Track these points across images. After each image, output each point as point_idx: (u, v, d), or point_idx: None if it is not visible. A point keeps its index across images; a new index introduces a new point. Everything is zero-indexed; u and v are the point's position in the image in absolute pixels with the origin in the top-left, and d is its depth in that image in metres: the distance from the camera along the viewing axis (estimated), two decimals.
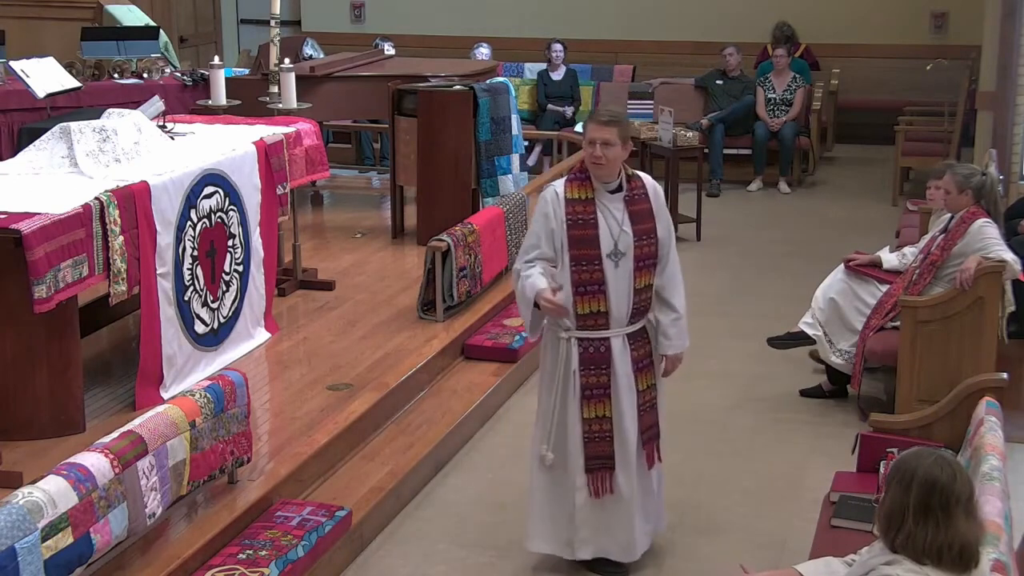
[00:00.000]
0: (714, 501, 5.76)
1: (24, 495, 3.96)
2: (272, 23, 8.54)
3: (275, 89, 8.35)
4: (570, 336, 4.92)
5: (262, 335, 6.91)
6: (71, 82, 9.09)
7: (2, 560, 3.77)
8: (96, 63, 10.07)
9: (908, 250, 7.04)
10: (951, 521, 3.21)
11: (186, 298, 6.11)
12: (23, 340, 5.46)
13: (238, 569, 4.62)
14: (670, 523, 5.53)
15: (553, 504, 5.04)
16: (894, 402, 6.45)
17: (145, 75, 10.14)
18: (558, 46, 12.90)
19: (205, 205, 6.25)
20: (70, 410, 5.59)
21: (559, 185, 4.93)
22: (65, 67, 9.27)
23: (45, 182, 5.84)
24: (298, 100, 8.21)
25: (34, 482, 4.07)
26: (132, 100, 8.89)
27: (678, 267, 5.06)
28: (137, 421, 4.59)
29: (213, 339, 6.39)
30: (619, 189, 4.90)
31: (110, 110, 6.70)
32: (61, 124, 6.22)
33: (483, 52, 12.55)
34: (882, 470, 4.72)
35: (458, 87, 8.90)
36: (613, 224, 4.85)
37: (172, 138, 6.79)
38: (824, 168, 13.03)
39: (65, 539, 4.01)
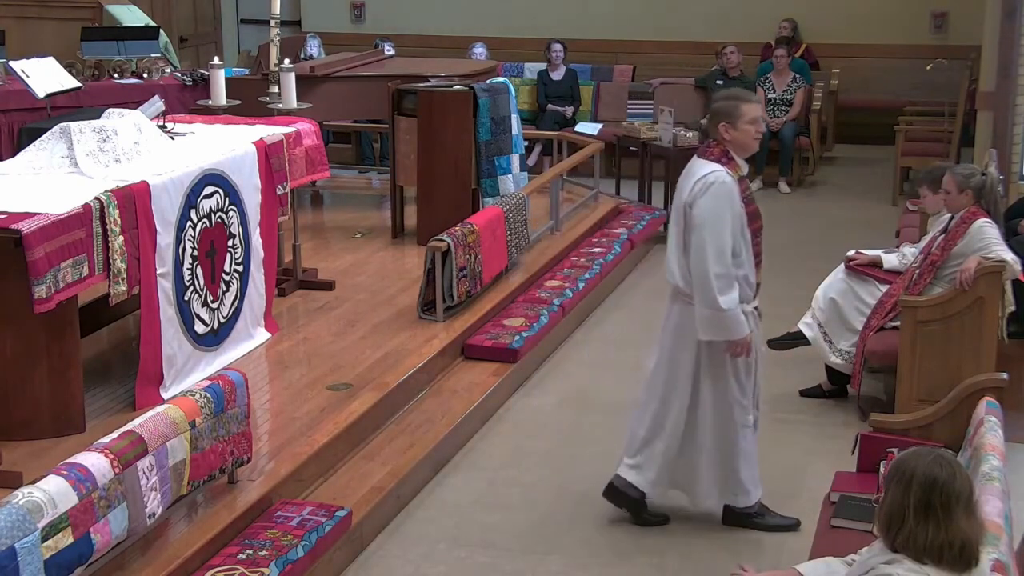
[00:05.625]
0: None
1: (24, 495, 3.96)
2: (272, 23, 8.53)
3: (275, 89, 8.35)
4: (750, 307, 5.25)
5: (262, 335, 6.91)
6: (71, 82, 9.10)
7: (2, 560, 3.77)
8: (96, 63, 10.09)
9: (908, 250, 7.04)
10: (951, 520, 3.21)
11: (186, 298, 6.11)
12: (23, 340, 5.46)
13: (238, 569, 4.62)
14: (671, 522, 5.55)
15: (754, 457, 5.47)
16: (894, 402, 6.45)
17: (145, 75, 10.16)
18: (558, 46, 12.91)
19: (205, 205, 6.25)
20: (70, 410, 5.59)
21: (723, 168, 5.13)
22: (65, 67, 9.28)
23: (45, 182, 5.84)
24: (298, 100, 8.21)
25: (34, 482, 4.07)
26: (132, 100, 8.90)
27: None
28: (137, 421, 4.59)
29: (213, 339, 6.39)
30: None
31: (110, 110, 6.69)
32: (61, 124, 6.22)
33: (479, 52, 12.55)
34: (882, 470, 4.72)
35: (458, 87, 8.90)
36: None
37: (172, 138, 6.79)
38: (824, 168, 13.03)
39: (65, 539, 4.01)
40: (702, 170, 5.14)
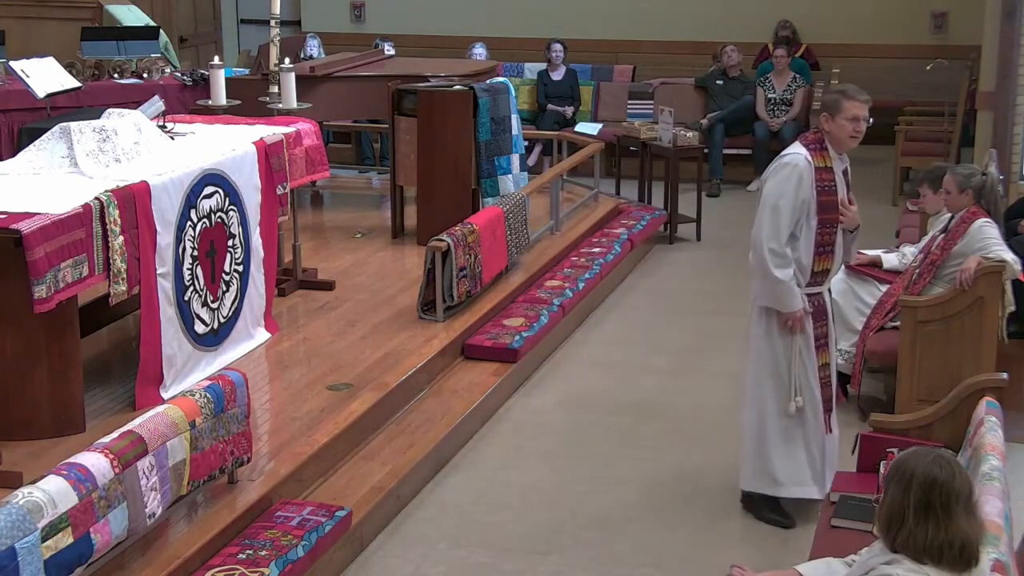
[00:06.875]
0: (715, 500, 5.76)
1: (24, 495, 3.96)
2: (272, 23, 8.53)
3: (275, 89, 8.34)
4: (801, 293, 5.37)
5: (262, 335, 6.91)
6: (71, 82, 9.10)
7: (2, 560, 3.77)
8: (96, 63, 10.08)
9: (908, 249, 7.05)
10: (951, 519, 3.21)
11: (186, 298, 6.11)
12: (23, 340, 5.46)
13: (238, 569, 4.62)
14: (671, 523, 5.55)
15: (800, 450, 5.47)
16: (894, 402, 6.45)
17: (145, 75, 10.15)
18: (558, 46, 12.91)
19: (205, 205, 6.25)
20: (70, 410, 5.59)
21: (804, 154, 5.30)
22: (65, 67, 9.27)
23: (45, 182, 5.84)
24: (298, 100, 8.21)
25: (34, 482, 4.07)
26: (132, 100, 8.90)
27: None
28: (137, 421, 4.59)
29: (213, 339, 6.39)
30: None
31: (110, 110, 6.69)
32: (61, 124, 6.22)
33: (479, 52, 12.55)
34: (882, 470, 4.72)
35: (458, 87, 8.90)
36: (842, 191, 5.38)
37: (172, 138, 6.78)
38: None
39: (65, 539, 4.01)
40: (787, 151, 5.39)
